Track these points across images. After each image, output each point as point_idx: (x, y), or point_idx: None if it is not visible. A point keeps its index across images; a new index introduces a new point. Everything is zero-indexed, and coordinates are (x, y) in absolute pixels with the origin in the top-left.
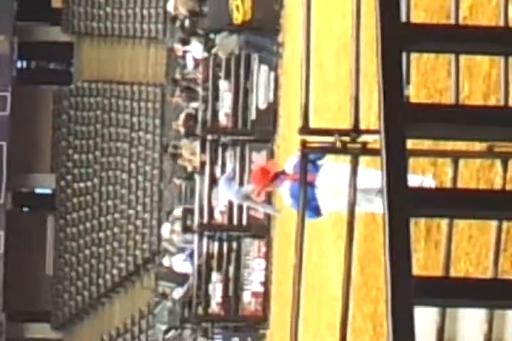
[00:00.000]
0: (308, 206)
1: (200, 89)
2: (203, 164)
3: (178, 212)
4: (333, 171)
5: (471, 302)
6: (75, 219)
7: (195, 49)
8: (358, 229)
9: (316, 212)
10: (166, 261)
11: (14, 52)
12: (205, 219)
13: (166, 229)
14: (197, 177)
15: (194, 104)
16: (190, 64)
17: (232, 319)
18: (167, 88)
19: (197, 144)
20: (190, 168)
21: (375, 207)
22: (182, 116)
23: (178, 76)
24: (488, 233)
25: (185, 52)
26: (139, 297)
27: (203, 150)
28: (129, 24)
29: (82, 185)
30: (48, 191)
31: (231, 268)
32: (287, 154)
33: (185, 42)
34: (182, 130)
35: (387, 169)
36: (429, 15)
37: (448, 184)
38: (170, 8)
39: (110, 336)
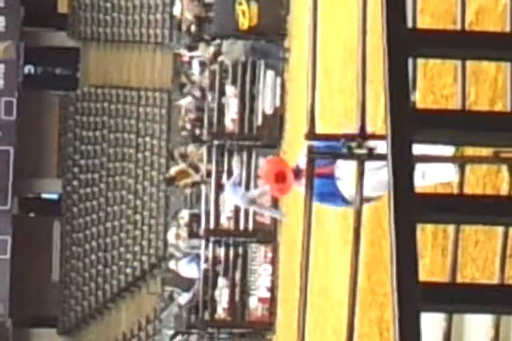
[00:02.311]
0: (334, 200)
1: (206, 95)
2: (209, 170)
3: (184, 214)
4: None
5: (477, 308)
6: (81, 224)
7: (205, 52)
8: (364, 234)
9: (345, 201)
10: (172, 265)
11: (21, 58)
12: (212, 225)
13: (171, 234)
14: (203, 183)
15: (200, 109)
16: (196, 69)
17: (238, 324)
18: (173, 93)
19: (203, 150)
20: (193, 179)
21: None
22: (189, 119)
23: (184, 81)
24: (495, 238)
25: (191, 57)
26: (146, 302)
27: (209, 155)
28: (136, 29)
29: (88, 190)
30: (55, 196)
31: (237, 274)
32: (294, 159)
33: (191, 47)
34: (188, 127)
35: (393, 174)
36: (436, 21)
37: (454, 189)
38: (176, 13)
39: None
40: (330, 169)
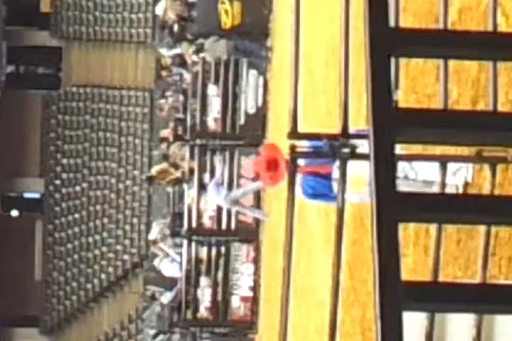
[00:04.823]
0: (326, 198)
1: (188, 94)
2: (191, 170)
3: (155, 227)
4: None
5: (459, 307)
6: (63, 223)
7: (182, 55)
8: (346, 233)
9: (334, 199)
10: (156, 263)
11: (3, 57)
12: (194, 224)
13: (153, 236)
14: (185, 182)
15: (182, 109)
16: (178, 69)
17: (220, 323)
18: (156, 93)
19: (186, 150)
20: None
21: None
22: (171, 124)
23: (166, 80)
24: (477, 237)
25: (173, 56)
26: (128, 301)
27: (191, 154)
28: (118, 29)
29: (70, 189)
30: (37, 195)
31: (220, 273)
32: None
33: (173, 46)
34: (171, 138)
35: (375, 173)
36: (418, 20)
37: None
38: (159, 12)
39: (99, 340)
40: (328, 169)
